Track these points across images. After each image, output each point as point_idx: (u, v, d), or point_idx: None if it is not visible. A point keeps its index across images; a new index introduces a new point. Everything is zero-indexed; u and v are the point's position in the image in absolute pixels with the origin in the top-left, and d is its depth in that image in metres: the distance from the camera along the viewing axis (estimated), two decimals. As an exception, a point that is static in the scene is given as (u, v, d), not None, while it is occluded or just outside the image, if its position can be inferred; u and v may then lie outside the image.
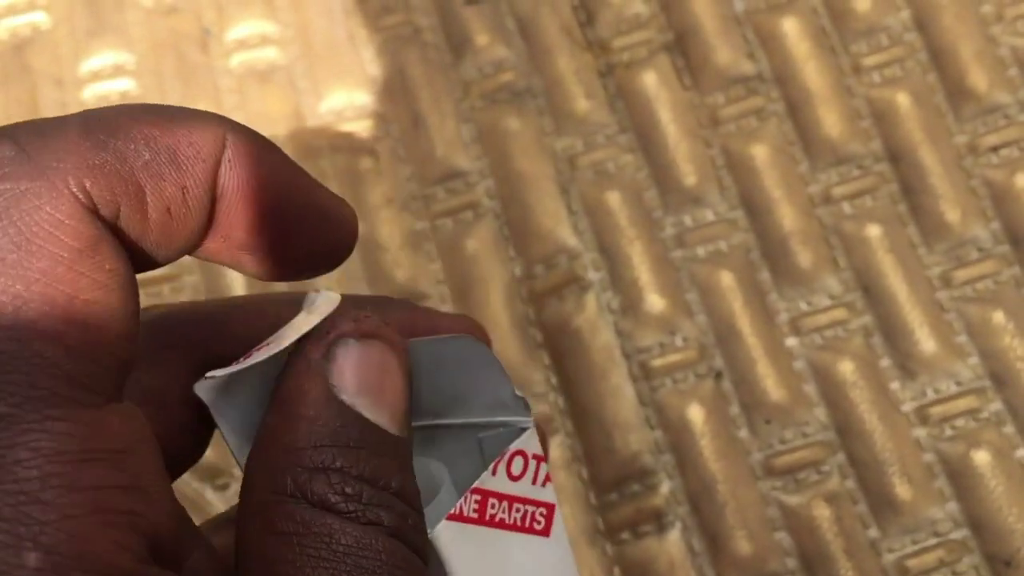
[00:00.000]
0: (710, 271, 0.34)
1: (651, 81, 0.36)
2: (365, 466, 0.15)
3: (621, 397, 0.33)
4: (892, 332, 0.33)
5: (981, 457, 0.32)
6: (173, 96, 0.36)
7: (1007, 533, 0.31)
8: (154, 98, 0.36)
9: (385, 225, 0.35)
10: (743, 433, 0.33)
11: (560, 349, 0.33)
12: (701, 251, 0.35)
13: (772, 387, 0.33)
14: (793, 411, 0.33)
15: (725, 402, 0.33)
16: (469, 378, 0.19)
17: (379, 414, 0.16)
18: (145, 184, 0.15)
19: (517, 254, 0.35)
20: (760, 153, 0.35)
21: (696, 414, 0.33)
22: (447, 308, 0.34)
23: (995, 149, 0.35)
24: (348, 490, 0.15)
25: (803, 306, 0.34)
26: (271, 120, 0.36)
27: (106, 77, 0.37)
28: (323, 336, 0.16)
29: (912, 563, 0.31)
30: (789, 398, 0.33)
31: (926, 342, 0.33)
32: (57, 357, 0.14)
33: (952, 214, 0.35)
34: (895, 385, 0.33)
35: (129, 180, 0.15)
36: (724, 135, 0.36)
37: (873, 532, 0.31)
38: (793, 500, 0.32)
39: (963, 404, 0.33)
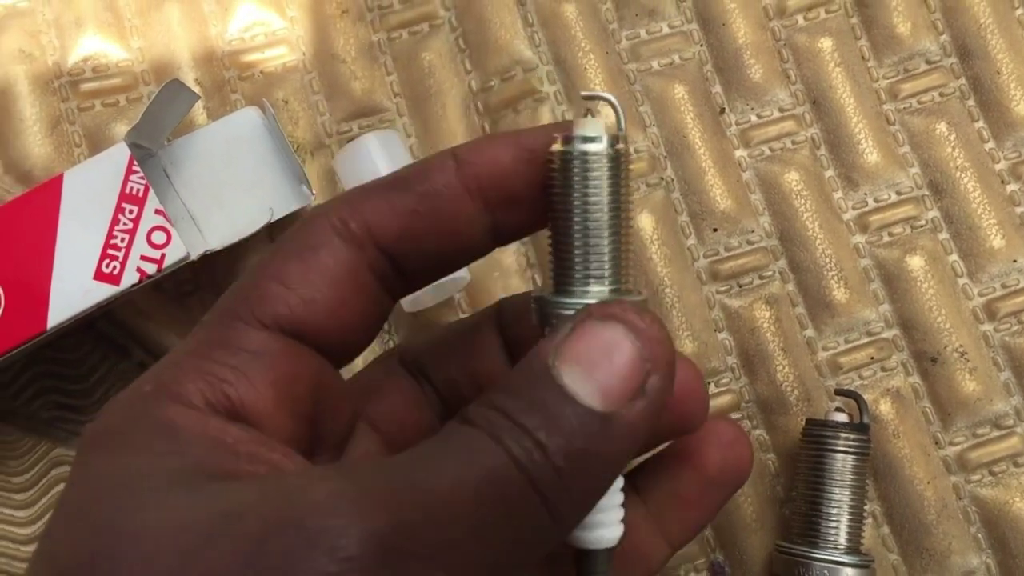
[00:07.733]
0: (664, 84, 0.35)
1: None
2: (525, 414, 0.19)
3: (574, 207, 0.34)
4: (838, 144, 0.34)
5: (915, 262, 0.34)
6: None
7: (935, 332, 0.33)
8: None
9: (340, 37, 0.35)
10: (691, 241, 0.34)
11: (515, 161, 0.34)
12: (655, 64, 0.35)
13: (720, 197, 0.34)
14: (739, 220, 0.34)
15: (674, 211, 0.34)
16: None
17: (583, 387, 0.19)
18: None
19: (473, 67, 0.35)
20: (716, -36, 0.35)
21: (647, 222, 0.34)
22: (403, 121, 0.34)
23: (949, -39, 0.35)
24: (494, 418, 0.19)
25: (753, 119, 0.35)
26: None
27: None
28: (579, 316, 0.20)
29: (844, 360, 0.33)
30: (736, 207, 0.34)
31: (870, 153, 0.34)
32: None
33: (903, 26, 0.35)
34: (838, 195, 0.34)
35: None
36: (681, -54, 0.35)
37: (809, 332, 0.33)
38: (736, 303, 0.33)
39: (901, 212, 0.34)
